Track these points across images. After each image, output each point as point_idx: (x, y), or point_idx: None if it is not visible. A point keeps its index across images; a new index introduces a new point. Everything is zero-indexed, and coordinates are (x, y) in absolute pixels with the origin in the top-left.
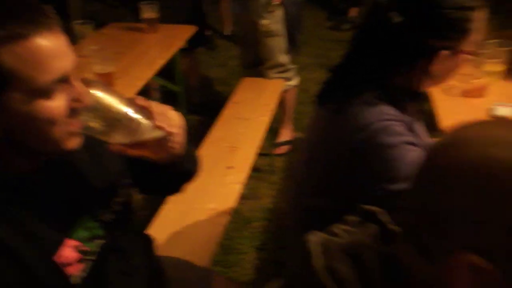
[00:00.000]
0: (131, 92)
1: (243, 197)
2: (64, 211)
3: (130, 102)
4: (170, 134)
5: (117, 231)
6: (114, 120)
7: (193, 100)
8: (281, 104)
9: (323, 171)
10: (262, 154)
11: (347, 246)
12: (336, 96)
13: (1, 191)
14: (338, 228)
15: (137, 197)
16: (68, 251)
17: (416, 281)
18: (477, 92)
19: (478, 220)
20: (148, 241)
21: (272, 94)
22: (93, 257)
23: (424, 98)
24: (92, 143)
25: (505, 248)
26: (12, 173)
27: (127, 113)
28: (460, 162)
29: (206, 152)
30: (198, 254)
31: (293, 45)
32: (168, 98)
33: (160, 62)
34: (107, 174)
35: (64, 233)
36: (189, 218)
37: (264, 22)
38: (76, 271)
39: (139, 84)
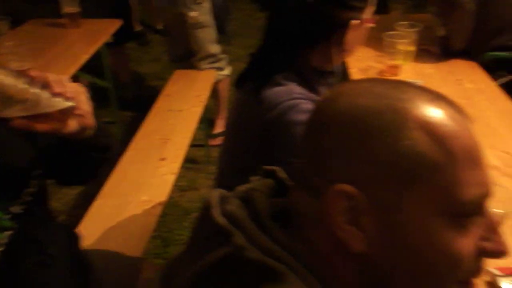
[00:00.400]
0: None
1: (181, 189)
2: None
3: (22, 75)
4: (72, 101)
5: (30, 222)
6: (8, 94)
7: (126, 96)
8: (215, 95)
9: (240, 152)
10: (199, 145)
11: (240, 192)
12: (252, 80)
13: None
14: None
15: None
16: None
17: (304, 219)
18: (391, 72)
19: (350, 157)
20: (71, 235)
21: (204, 84)
22: (1, 248)
23: (335, 77)
24: None
25: (369, 178)
26: None
27: (21, 85)
28: (336, 110)
29: (139, 145)
30: (131, 245)
31: (223, 35)
32: (99, 95)
33: (84, 57)
34: (16, 166)
35: None
36: (122, 211)
37: (193, 14)
38: None
39: None
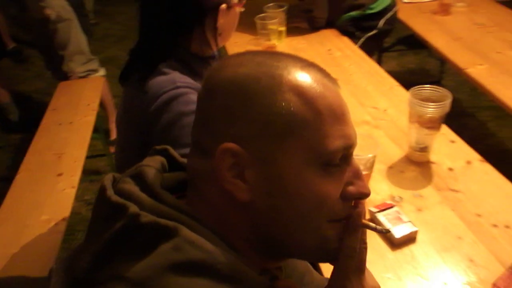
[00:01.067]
0: None
1: (89, 203)
2: None
3: None
4: None
5: None
6: None
7: (10, 117)
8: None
9: (132, 145)
10: (99, 155)
11: (131, 171)
12: (136, 73)
13: None
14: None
15: None
16: None
17: (198, 180)
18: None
19: (233, 118)
20: None
21: (92, 93)
22: None
23: (217, 61)
24: None
25: (249, 136)
26: None
27: None
28: (222, 78)
29: (31, 165)
30: (39, 267)
31: (86, 33)
32: None
33: None
34: None
35: None
36: (22, 235)
37: (48, 11)
38: None
39: None
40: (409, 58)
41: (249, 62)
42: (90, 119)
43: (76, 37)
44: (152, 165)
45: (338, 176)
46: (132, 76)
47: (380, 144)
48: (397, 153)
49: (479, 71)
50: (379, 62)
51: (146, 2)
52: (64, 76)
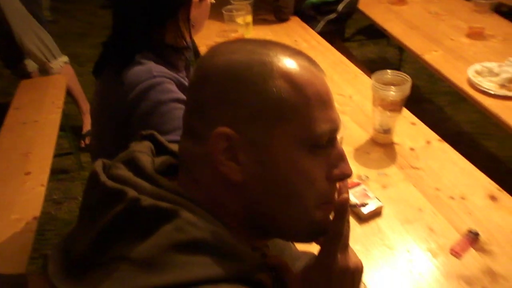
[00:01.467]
0: None
1: (57, 202)
2: None
3: None
4: None
5: None
6: None
7: None
8: (69, 94)
9: (109, 137)
10: (66, 153)
11: (122, 157)
12: (111, 65)
13: None
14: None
15: None
16: None
17: (191, 164)
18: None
19: (227, 103)
20: None
21: (57, 90)
22: None
23: (190, 51)
24: None
25: (243, 120)
26: None
27: None
28: (214, 65)
29: None
30: (11, 267)
31: (41, 23)
32: None
33: None
34: None
35: None
36: None
37: None
38: None
39: None
40: (369, 47)
41: (241, 49)
42: (55, 117)
43: (30, 32)
44: (144, 151)
45: (324, 158)
46: (106, 68)
47: (347, 128)
48: (363, 136)
49: (434, 57)
50: (343, 51)
51: None
52: (25, 74)
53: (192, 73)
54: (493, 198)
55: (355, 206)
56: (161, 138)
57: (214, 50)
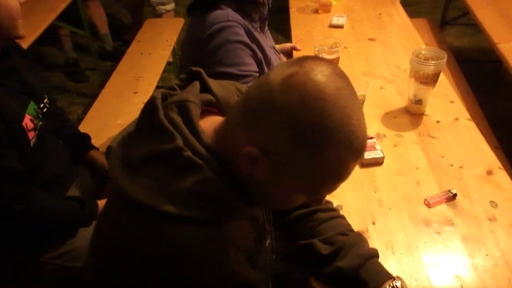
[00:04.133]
0: (36, 33)
1: None
2: (22, 94)
3: None
4: None
5: (46, 121)
6: None
7: (105, 46)
8: None
9: (187, 61)
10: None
11: (178, 101)
12: (200, 7)
13: None
14: (175, 84)
15: None
16: (28, 122)
17: (229, 130)
18: (324, 9)
19: (263, 127)
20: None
21: (172, 31)
22: (37, 132)
23: (265, 7)
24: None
25: (274, 147)
26: None
27: None
28: (287, 103)
29: (115, 82)
30: None
31: None
32: (81, 46)
33: (61, 6)
34: (38, 82)
35: (24, 109)
36: (100, 133)
37: None
38: (32, 137)
39: (42, 26)
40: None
41: (329, 101)
42: (166, 53)
43: None
44: (195, 101)
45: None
46: (196, 9)
47: (385, 95)
48: (398, 103)
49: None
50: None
51: None
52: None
53: (258, 87)
54: (489, 172)
55: None
56: (207, 78)
57: (294, 82)
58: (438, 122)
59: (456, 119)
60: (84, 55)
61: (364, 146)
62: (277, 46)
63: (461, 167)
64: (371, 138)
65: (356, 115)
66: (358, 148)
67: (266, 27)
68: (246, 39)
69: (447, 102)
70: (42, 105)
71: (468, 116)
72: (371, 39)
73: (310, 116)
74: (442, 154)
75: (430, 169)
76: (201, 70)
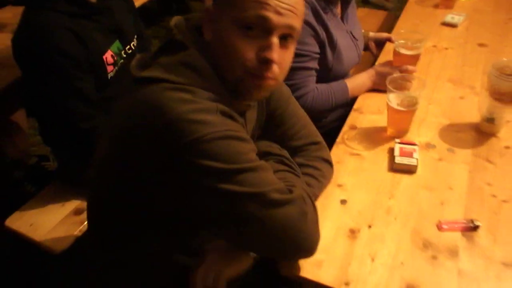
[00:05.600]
0: None
1: None
2: (110, 33)
3: None
4: None
5: (128, 60)
6: None
7: None
8: None
9: None
10: None
11: (193, 19)
12: None
13: (79, 18)
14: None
15: None
16: (109, 57)
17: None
18: (446, 4)
19: None
20: None
21: None
22: (117, 67)
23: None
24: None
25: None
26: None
27: None
28: None
29: None
30: None
31: None
32: None
33: None
34: (130, 26)
35: (108, 46)
36: None
37: None
38: (110, 70)
39: None
40: None
41: None
42: None
43: None
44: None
45: (255, 41)
46: None
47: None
48: (471, 118)
49: None
50: None
51: None
52: None
53: None
54: None
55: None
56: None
57: None
58: (507, 148)
59: None
60: None
61: None
62: (372, 34)
63: (504, 201)
64: (413, 144)
65: None
66: None
67: (348, 11)
68: (310, 19)
69: None
70: (128, 47)
71: None
72: (481, 45)
73: None
74: (489, 182)
75: (466, 193)
76: None
